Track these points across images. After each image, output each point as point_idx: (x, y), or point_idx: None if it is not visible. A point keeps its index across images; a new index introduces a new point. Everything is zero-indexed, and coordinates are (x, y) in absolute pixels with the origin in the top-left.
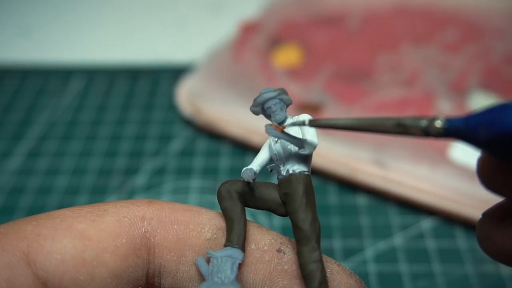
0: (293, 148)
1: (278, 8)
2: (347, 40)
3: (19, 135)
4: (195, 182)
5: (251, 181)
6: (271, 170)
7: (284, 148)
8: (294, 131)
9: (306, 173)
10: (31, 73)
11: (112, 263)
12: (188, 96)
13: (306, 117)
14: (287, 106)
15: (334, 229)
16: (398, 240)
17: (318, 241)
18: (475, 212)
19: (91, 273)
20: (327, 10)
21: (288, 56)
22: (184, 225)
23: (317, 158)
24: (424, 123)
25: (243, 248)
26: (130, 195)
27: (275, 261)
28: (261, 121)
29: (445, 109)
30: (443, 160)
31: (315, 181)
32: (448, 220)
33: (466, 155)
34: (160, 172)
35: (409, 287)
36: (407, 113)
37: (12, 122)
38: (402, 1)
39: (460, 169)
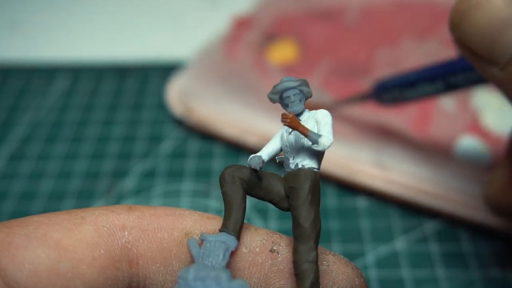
0: (306, 142)
1: (273, 2)
2: (345, 35)
3: (0, 137)
4: (187, 185)
5: (258, 168)
6: (279, 162)
7: (296, 141)
8: (310, 126)
9: (315, 170)
10: (13, 72)
11: (89, 275)
12: (179, 95)
13: (324, 112)
14: (307, 98)
15: (333, 233)
16: (400, 244)
17: (316, 241)
18: (480, 214)
19: (66, 286)
20: (324, 4)
21: (283, 52)
22: (168, 232)
23: None
24: None
25: (238, 236)
26: (119, 199)
27: (269, 262)
28: (256, 121)
29: (447, 106)
30: (447, 160)
31: None
32: (452, 222)
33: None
34: (150, 175)
35: None
36: (408, 112)
37: None
38: None
39: (464, 169)
